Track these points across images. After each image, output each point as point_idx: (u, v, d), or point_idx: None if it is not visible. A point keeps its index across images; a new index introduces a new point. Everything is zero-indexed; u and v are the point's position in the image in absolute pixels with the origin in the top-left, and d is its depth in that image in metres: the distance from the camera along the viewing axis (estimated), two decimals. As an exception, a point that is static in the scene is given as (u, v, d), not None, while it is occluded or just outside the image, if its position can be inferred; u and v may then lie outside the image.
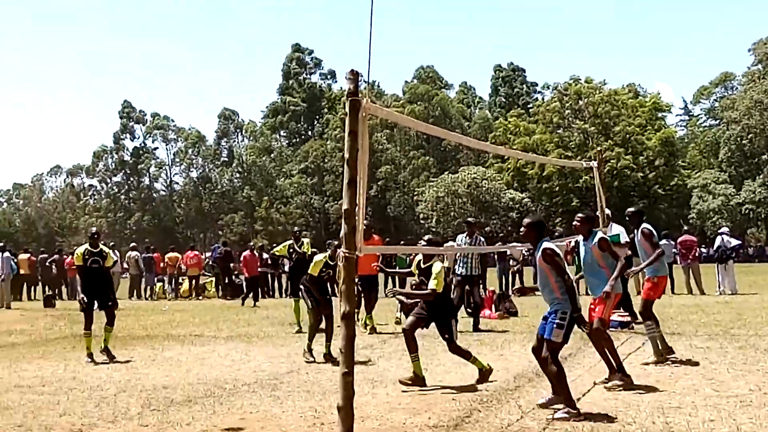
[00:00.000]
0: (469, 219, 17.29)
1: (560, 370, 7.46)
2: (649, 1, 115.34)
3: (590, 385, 8.76)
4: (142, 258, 29.87)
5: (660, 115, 73.18)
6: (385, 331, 15.08)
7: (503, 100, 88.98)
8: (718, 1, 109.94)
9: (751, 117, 63.22)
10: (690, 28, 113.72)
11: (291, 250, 16.83)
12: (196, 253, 31.66)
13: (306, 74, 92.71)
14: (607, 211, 13.77)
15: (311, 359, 11.28)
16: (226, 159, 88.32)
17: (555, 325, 7.40)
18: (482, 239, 16.49)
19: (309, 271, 11.83)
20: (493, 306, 17.50)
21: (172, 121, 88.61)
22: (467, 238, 15.35)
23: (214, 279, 30.57)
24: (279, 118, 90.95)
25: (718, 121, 75.22)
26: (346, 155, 6.15)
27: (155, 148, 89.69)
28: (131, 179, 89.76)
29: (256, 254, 26.75)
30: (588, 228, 8.89)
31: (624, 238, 13.36)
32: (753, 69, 68.39)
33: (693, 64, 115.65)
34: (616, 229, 13.66)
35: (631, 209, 10.83)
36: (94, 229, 13.32)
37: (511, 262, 25.52)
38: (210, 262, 32.99)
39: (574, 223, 9.04)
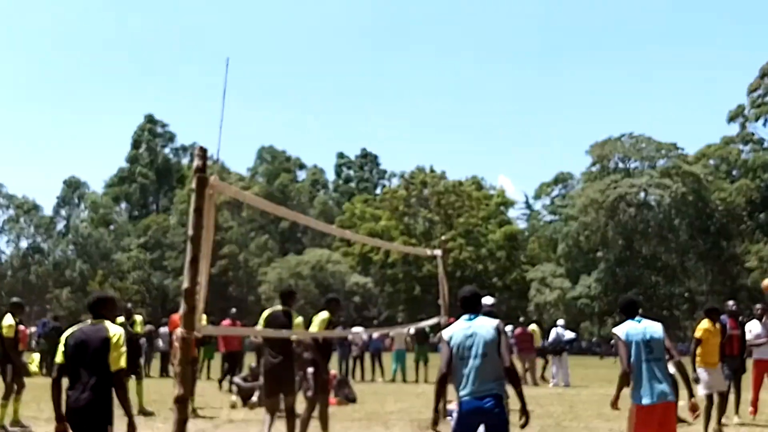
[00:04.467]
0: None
1: None
2: (491, 100, 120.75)
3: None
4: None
5: (502, 209, 75.78)
6: (217, 416, 14.51)
7: (352, 186, 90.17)
8: (557, 103, 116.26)
9: (587, 215, 65.71)
10: (531, 125, 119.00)
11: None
12: (21, 327, 29.62)
13: (157, 146, 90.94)
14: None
15: None
16: (63, 230, 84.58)
17: None
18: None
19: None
20: (332, 391, 17.16)
21: (4, 187, 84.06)
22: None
23: (39, 355, 28.78)
24: (124, 187, 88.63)
25: (558, 217, 78.32)
26: (190, 232, 5.94)
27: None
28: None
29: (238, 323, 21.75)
30: None
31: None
32: (590, 169, 71.65)
33: (533, 160, 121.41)
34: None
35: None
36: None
37: (352, 347, 25.34)
38: (36, 338, 31.03)
39: None
